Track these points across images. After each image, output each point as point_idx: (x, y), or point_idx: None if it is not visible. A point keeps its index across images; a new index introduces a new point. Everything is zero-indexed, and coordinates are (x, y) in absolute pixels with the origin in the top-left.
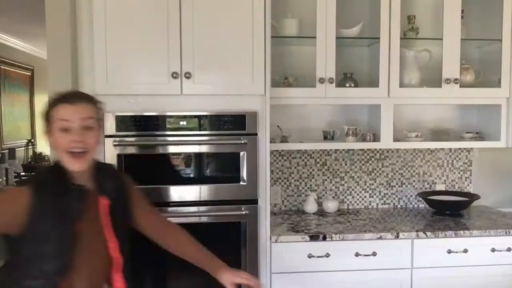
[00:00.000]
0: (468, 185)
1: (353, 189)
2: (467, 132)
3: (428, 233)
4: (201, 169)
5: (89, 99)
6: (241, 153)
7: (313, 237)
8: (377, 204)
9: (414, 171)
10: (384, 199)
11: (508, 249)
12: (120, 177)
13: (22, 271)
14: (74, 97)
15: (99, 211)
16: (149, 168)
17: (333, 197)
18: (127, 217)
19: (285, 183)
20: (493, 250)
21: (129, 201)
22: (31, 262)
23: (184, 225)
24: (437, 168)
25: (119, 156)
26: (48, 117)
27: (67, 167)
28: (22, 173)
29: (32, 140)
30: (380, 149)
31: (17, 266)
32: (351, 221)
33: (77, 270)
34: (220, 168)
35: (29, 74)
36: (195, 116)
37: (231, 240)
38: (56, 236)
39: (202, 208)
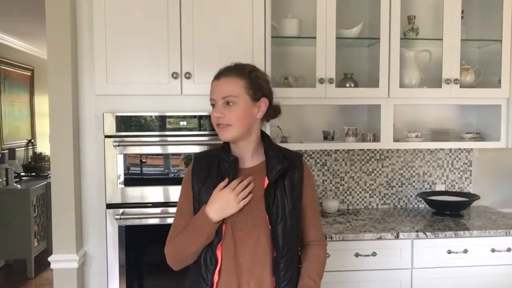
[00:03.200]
0: (468, 185)
1: (353, 189)
2: (467, 133)
3: (428, 233)
4: None
5: (238, 73)
6: None
7: None
8: (377, 204)
9: (414, 171)
10: (384, 199)
11: (508, 250)
12: (288, 160)
13: None
14: (222, 72)
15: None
16: (149, 168)
17: (333, 197)
18: (285, 205)
19: None
20: (493, 250)
21: (295, 189)
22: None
23: None
24: (437, 169)
25: (119, 156)
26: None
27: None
28: (22, 173)
29: (32, 140)
30: (380, 150)
31: None
32: (351, 221)
33: (228, 241)
34: None
35: (29, 74)
36: (195, 116)
37: None
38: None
39: None
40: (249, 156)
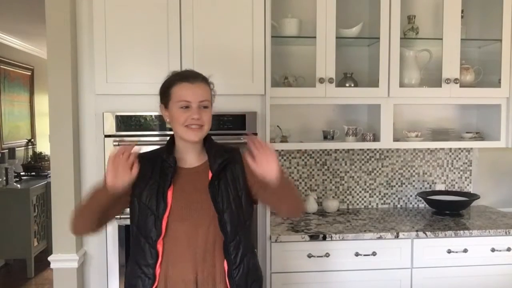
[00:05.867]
0: (468, 185)
1: (353, 189)
2: (467, 132)
3: (428, 233)
4: None
5: (205, 80)
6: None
7: (313, 237)
8: (377, 204)
9: (414, 171)
10: (384, 199)
11: (508, 249)
12: (228, 154)
13: (136, 239)
14: (193, 77)
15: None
16: None
17: (333, 197)
18: (229, 193)
19: None
20: (493, 250)
21: (237, 179)
22: (138, 228)
23: None
24: (437, 168)
25: None
26: (166, 92)
27: (184, 138)
28: (22, 173)
29: (32, 140)
30: (380, 149)
31: (134, 235)
32: (351, 221)
33: (177, 235)
34: None
35: (29, 74)
36: None
37: None
38: (149, 201)
39: None
40: (195, 156)
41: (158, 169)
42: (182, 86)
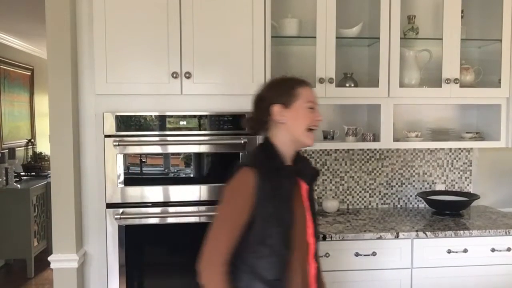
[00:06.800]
0: (468, 185)
1: (353, 189)
2: (467, 132)
3: (428, 233)
4: (201, 169)
5: None
6: (241, 153)
7: None
8: (377, 204)
9: (414, 171)
10: (384, 199)
11: (508, 249)
12: (312, 165)
13: (253, 252)
14: (308, 82)
15: (302, 194)
16: (149, 168)
17: (333, 197)
18: (315, 205)
19: None
20: (493, 250)
21: (314, 187)
22: (261, 243)
23: (184, 225)
24: (437, 168)
25: (119, 155)
26: (291, 92)
27: (301, 141)
28: (22, 173)
29: (32, 140)
30: (380, 149)
31: (246, 248)
32: (351, 221)
33: (296, 247)
34: (220, 168)
35: (29, 74)
36: (195, 116)
37: None
38: (279, 215)
39: (202, 208)
40: (291, 160)
41: (276, 179)
42: (306, 88)
